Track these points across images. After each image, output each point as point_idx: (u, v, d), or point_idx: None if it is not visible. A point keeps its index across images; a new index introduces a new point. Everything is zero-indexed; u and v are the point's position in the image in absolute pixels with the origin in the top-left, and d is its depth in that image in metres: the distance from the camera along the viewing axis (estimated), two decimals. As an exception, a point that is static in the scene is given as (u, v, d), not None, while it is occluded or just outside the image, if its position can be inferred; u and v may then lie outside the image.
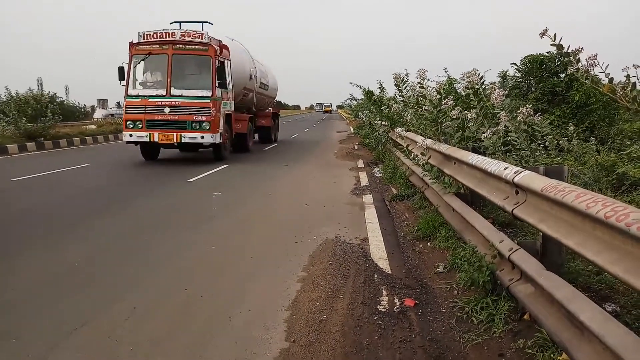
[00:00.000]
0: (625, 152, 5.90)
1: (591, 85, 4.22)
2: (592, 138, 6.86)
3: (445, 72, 9.39)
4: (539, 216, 3.13)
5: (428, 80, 6.99)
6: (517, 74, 13.36)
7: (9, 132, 19.66)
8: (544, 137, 5.41)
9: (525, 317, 3.32)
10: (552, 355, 2.81)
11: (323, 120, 63.00)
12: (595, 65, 3.81)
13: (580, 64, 3.92)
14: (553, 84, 11.90)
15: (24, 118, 19.45)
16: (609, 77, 3.84)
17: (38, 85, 37.87)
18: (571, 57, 3.97)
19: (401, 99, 8.89)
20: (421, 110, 6.99)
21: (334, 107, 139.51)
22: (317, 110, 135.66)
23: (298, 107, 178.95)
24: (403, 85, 8.02)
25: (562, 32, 4.01)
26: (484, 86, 5.70)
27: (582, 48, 3.93)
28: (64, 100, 48.21)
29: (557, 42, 4.00)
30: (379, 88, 13.50)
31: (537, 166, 3.75)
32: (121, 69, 13.32)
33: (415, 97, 7.05)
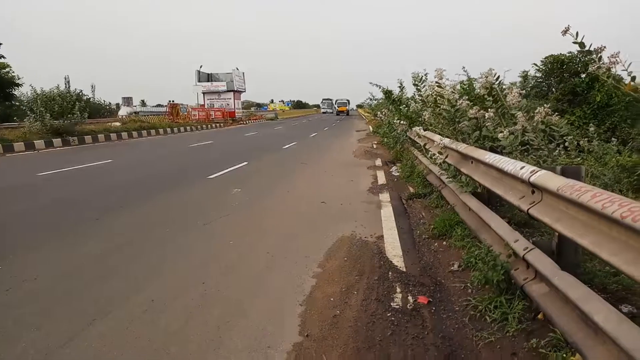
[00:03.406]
0: (647, 153, 5.80)
1: (613, 83, 4.17)
2: (613, 139, 6.74)
3: (465, 71, 9.28)
4: (554, 216, 3.11)
5: (447, 79, 6.95)
6: (537, 74, 13.18)
7: (35, 128, 20.16)
8: (564, 138, 5.34)
9: (539, 316, 3.30)
10: (565, 355, 2.79)
11: (342, 120, 60.18)
12: (617, 63, 3.76)
13: (601, 62, 3.87)
14: (574, 84, 11.71)
15: (48, 114, 19.91)
16: (632, 75, 3.78)
17: (65, 83, 38.86)
18: (593, 56, 3.92)
19: (419, 98, 8.85)
20: (439, 110, 6.96)
21: (352, 107, 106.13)
22: (324, 110, 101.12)
23: (319, 106, 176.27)
24: (421, 84, 7.99)
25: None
26: (501, 86, 5.65)
27: (604, 46, 3.88)
28: (89, 98, 49.30)
29: (578, 40, 3.95)
30: (399, 87, 13.41)
31: (554, 166, 3.72)
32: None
33: (433, 96, 7.02)
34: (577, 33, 3.93)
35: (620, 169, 5.21)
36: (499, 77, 5.58)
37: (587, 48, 3.97)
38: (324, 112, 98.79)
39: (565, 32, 3.93)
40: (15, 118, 26.64)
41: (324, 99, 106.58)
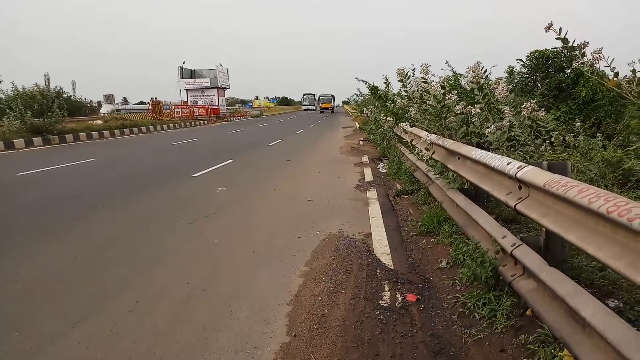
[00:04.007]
0: (631, 148, 5.84)
1: (597, 79, 4.19)
2: (598, 134, 6.78)
3: (449, 66, 9.29)
4: (541, 211, 3.11)
5: (433, 75, 6.94)
6: (523, 70, 13.22)
7: (15, 126, 19.79)
8: (550, 133, 5.36)
9: (528, 312, 3.30)
10: (553, 351, 2.79)
11: (328, 117, 58.37)
12: (601, 59, 3.78)
13: (585, 58, 3.89)
14: (559, 80, 11.77)
15: (28, 112, 19.58)
16: (615, 71, 3.80)
17: (45, 81, 38.22)
18: (577, 51, 3.93)
19: (405, 94, 8.84)
20: (425, 106, 6.95)
21: (338, 103, 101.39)
22: (305, 107, 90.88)
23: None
24: (407, 80, 7.97)
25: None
26: (489, 81, 5.65)
27: (587, 42, 3.90)
28: (70, 96, 48.57)
29: (562, 36, 3.96)
30: (385, 83, 13.40)
31: (541, 161, 3.72)
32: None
33: (419, 92, 7.01)
34: (560, 29, 3.94)
35: (605, 164, 5.24)
36: (486, 70, 5.59)
37: (570, 44, 3.98)
38: (305, 110, 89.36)
39: (548, 27, 3.93)
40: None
41: (305, 94, 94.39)
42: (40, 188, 9.41)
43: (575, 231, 2.66)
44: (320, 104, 79.48)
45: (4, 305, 3.91)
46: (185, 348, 3.22)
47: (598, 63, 3.84)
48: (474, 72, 5.52)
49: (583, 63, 3.90)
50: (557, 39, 3.96)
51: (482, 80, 5.56)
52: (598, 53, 3.75)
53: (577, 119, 7.28)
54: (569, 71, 11.72)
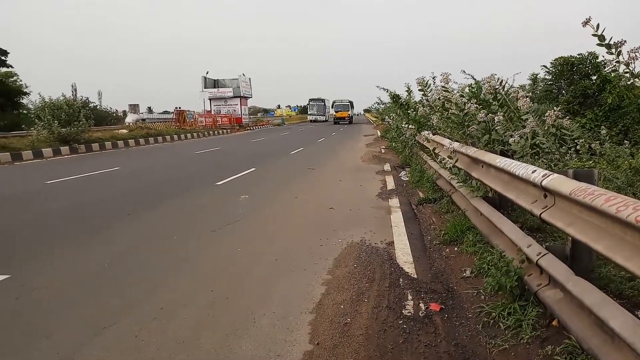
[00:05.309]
0: (661, 156, 5.71)
1: (627, 81, 4.04)
2: (625, 141, 6.65)
3: (468, 74, 9.19)
4: (567, 220, 3.06)
5: (454, 83, 6.89)
6: (547, 77, 13.05)
7: (43, 136, 20.33)
8: (575, 141, 5.27)
9: (554, 323, 3.24)
10: (581, 362, 2.74)
11: (347, 125, 55.69)
12: (637, 59, 3.66)
13: (620, 57, 3.77)
14: (584, 87, 11.59)
15: (56, 122, 20.10)
16: None
17: (72, 91, 39.17)
18: (612, 50, 3.82)
19: (427, 103, 8.80)
20: (447, 114, 6.91)
21: (358, 111, 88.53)
22: (312, 116, 70.88)
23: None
24: (427, 89, 7.93)
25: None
26: (506, 89, 5.57)
27: (624, 41, 3.78)
28: (96, 105, 49.67)
29: (599, 32, 3.85)
30: (407, 91, 13.37)
31: (566, 169, 3.67)
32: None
33: (441, 100, 6.97)
34: (597, 25, 3.82)
35: (633, 172, 5.13)
36: (502, 81, 5.52)
37: (606, 42, 3.86)
38: (312, 120, 69.85)
39: (585, 23, 3.81)
40: (23, 126, 27.01)
41: (311, 100, 71.99)
42: (67, 196, 9.62)
43: (602, 240, 2.61)
44: (334, 113, 63.61)
45: (32, 312, 4.00)
46: (209, 355, 3.25)
47: (634, 63, 3.71)
48: (489, 82, 5.46)
49: (618, 62, 3.78)
50: (594, 35, 3.85)
51: (502, 91, 5.50)
52: (635, 52, 3.62)
53: (602, 126, 7.15)
54: (594, 77, 11.53)
